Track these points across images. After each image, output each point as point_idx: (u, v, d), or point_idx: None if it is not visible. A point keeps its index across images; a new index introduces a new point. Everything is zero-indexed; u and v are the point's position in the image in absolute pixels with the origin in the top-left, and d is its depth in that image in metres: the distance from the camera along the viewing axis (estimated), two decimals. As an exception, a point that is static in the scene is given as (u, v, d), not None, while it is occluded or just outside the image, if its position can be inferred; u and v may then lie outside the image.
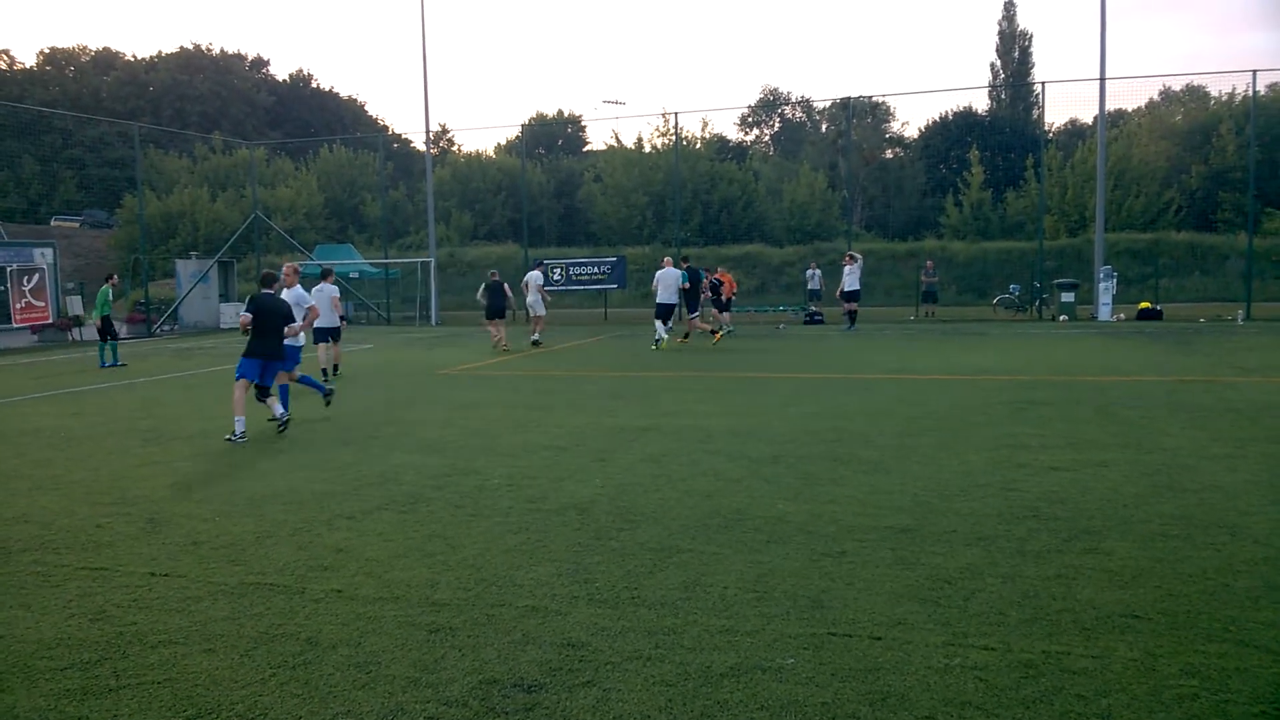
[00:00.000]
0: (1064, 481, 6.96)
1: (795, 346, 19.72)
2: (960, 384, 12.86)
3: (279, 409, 10.12)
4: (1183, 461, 7.55)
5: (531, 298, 20.96)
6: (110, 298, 18.97)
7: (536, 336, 21.02)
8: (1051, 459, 7.75)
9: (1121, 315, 25.55)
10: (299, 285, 11.52)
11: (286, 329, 10.05)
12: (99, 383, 15.52)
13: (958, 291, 35.30)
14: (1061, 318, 25.74)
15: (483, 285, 20.43)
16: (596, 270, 31.20)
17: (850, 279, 24.31)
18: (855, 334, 22.93)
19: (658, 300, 19.59)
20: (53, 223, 56.53)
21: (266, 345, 9.87)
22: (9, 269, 27.09)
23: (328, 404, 11.18)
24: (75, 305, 28.88)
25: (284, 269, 11.25)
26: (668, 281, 19.69)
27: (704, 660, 3.99)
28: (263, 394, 10.07)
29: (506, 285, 20.34)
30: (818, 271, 31.24)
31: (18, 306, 27.33)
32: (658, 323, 19.39)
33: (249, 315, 9.79)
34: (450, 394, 13.08)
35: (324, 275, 14.99)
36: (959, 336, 21.46)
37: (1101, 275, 25.97)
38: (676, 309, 21.31)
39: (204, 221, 45.83)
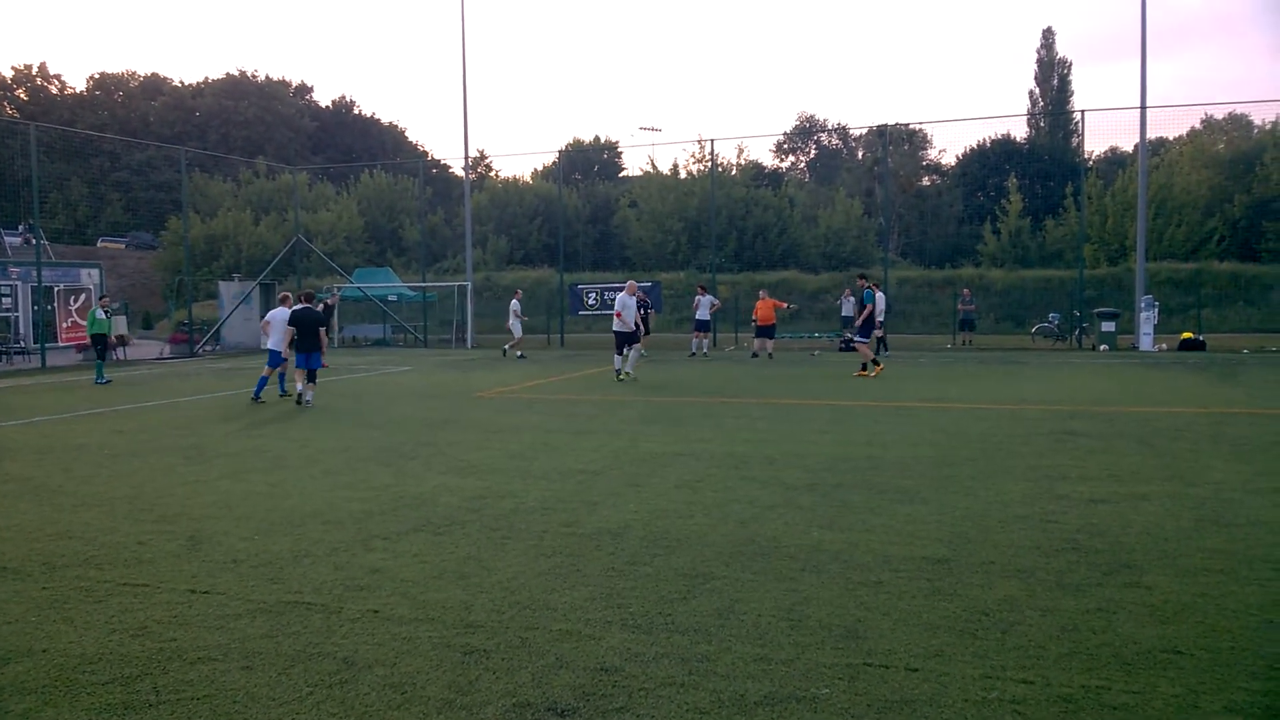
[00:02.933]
0: (1104, 514, 6.87)
1: (830, 373, 19.63)
2: (998, 413, 12.73)
3: (308, 395, 14.34)
4: (1226, 495, 7.41)
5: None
6: (100, 317, 19.48)
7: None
8: (1092, 491, 7.64)
9: (1163, 345, 25.18)
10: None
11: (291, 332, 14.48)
12: (142, 401, 15.78)
13: (995, 320, 34.99)
14: (1102, 347, 25.42)
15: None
16: (631, 295, 31.25)
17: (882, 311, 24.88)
18: (887, 359, 22.79)
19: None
20: (99, 244, 57.87)
21: (304, 344, 14.30)
22: (56, 289, 27.71)
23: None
24: (120, 325, 29.42)
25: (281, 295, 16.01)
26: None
27: (737, 688, 3.97)
28: (311, 377, 14.48)
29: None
30: (852, 298, 31.18)
31: (64, 325, 27.92)
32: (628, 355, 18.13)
33: (291, 328, 14.37)
34: (486, 417, 13.16)
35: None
36: (997, 365, 21.26)
37: (1143, 305, 25.64)
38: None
39: (247, 244, 46.62)
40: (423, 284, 35.89)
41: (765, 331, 24.15)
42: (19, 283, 27.29)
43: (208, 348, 30.69)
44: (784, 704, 3.81)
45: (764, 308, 24.28)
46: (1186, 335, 25.55)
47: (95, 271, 30.18)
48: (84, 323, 28.24)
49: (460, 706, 3.83)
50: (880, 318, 24.51)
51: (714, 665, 4.20)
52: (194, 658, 4.39)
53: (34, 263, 26.37)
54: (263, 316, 25.58)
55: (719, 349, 28.46)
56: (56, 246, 45.45)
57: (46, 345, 25.30)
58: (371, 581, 5.51)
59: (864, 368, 18.55)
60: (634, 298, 18.58)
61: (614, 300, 31.12)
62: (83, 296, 28.44)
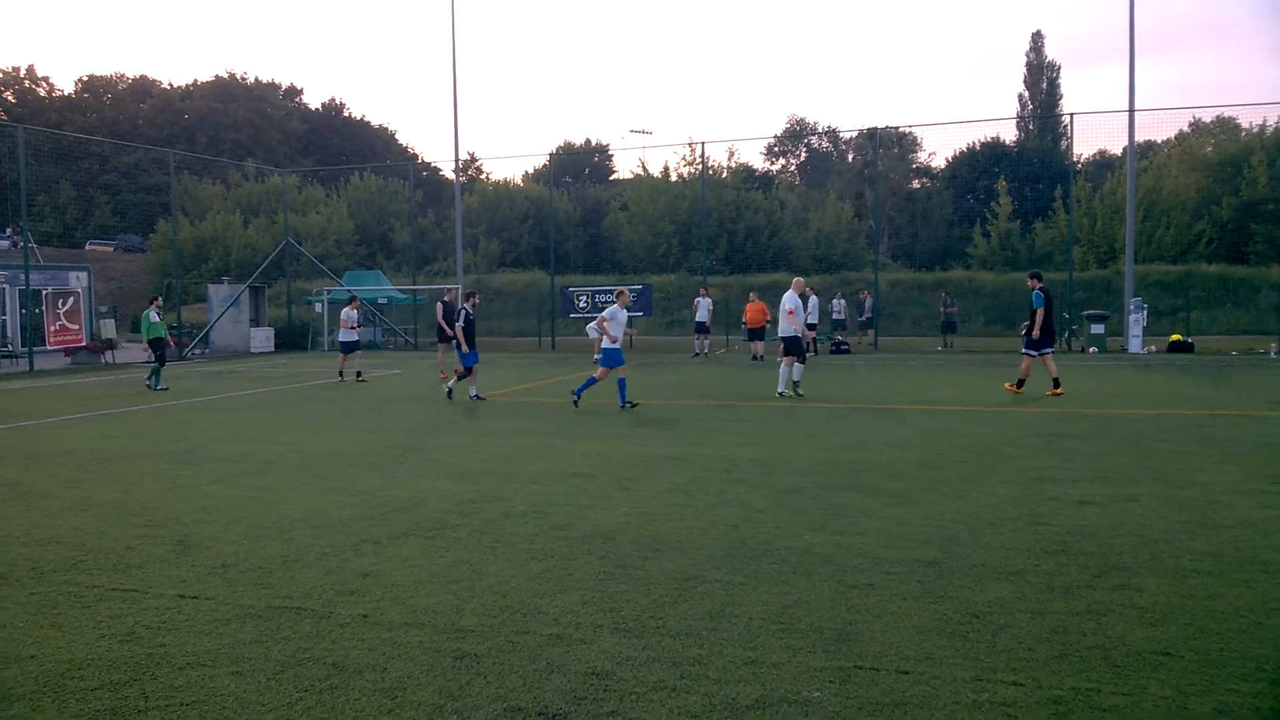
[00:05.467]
0: (1094, 516, 6.89)
1: (820, 375, 19.65)
2: (987, 415, 12.76)
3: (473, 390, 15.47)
4: (1215, 497, 7.45)
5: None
6: (154, 320, 18.53)
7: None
8: (1081, 493, 7.67)
9: (1152, 347, 25.29)
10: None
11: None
12: (130, 405, 15.71)
13: (985, 322, 35.10)
14: (1091, 349, 25.51)
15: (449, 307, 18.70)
16: (622, 298, 31.26)
17: (813, 314, 25.51)
18: (850, 362, 22.84)
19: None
20: (88, 247, 57.56)
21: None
22: (44, 292, 27.54)
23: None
24: (109, 328, 29.29)
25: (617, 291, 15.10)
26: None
27: (729, 692, 3.97)
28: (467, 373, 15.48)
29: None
30: (842, 301, 31.35)
31: (52, 329, 27.76)
32: (794, 365, 15.22)
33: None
34: (476, 420, 13.13)
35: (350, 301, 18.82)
36: (986, 367, 21.31)
37: (1132, 307, 25.75)
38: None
39: (236, 247, 46.47)
40: (413, 287, 35.80)
41: (756, 334, 24.34)
42: (7, 286, 27.11)
43: (196, 351, 30.55)
44: (775, 707, 3.81)
45: (753, 310, 24.44)
46: (1175, 337, 25.67)
47: (84, 275, 30.02)
48: (73, 327, 28.15)
49: (451, 711, 3.82)
50: (815, 318, 24.68)
51: (705, 669, 4.20)
52: (183, 663, 4.37)
53: (22, 266, 26.22)
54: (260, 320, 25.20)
55: (710, 351, 28.46)
56: (44, 250, 45.25)
57: (34, 349, 25.17)
58: (361, 586, 5.49)
59: (1019, 384, 15.41)
60: (805, 298, 14.91)
61: (607, 302, 31.17)
62: (70, 300, 28.29)
